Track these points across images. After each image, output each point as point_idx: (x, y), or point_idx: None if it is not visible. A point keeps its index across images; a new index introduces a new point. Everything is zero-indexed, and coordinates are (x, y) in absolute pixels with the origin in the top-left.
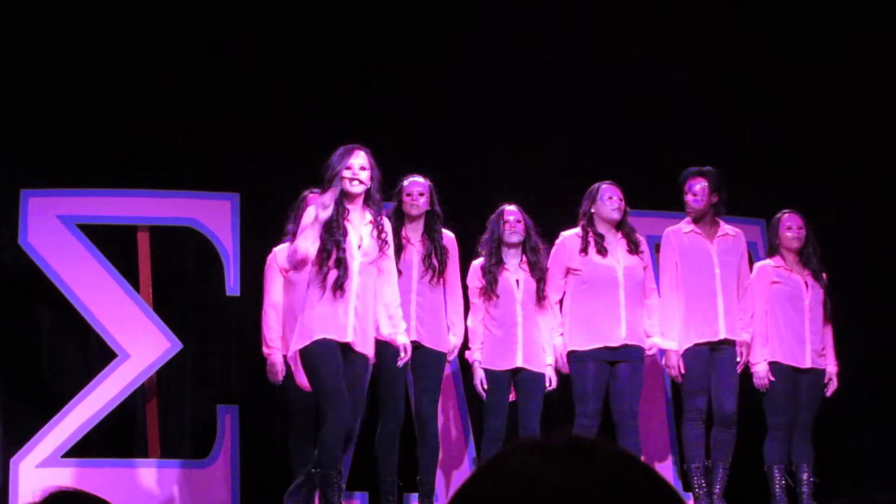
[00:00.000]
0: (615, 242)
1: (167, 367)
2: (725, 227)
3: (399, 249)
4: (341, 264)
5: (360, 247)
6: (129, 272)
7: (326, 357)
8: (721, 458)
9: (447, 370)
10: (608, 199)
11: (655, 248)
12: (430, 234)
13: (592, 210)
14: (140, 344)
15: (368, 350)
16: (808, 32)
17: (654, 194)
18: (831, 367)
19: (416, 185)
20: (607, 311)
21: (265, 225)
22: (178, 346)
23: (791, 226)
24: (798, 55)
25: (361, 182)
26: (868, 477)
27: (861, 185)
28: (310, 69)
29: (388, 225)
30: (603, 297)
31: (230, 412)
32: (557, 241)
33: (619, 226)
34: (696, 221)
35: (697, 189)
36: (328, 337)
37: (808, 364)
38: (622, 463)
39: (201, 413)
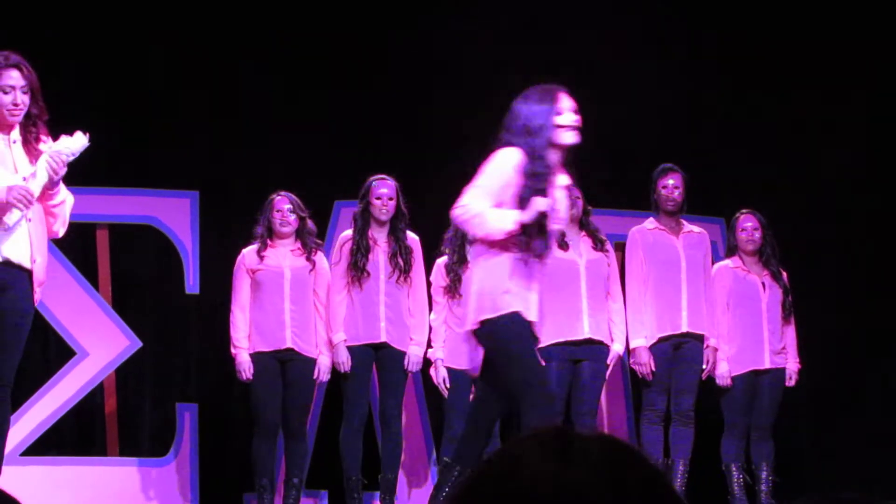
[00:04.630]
0: (578, 239)
1: (126, 365)
2: (689, 226)
3: (367, 251)
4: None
5: None
6: (88, 270)
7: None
8: (680, 454)
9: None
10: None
11: (616, 246)
12: (395, 234)
13: None
14: (99, 342)
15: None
16: (772, 26)
17: (612, 194)
18: (792, 365)
19: (385, 188)
20: (569, 304)
21: (225, 223)
22: (138, 344)
23: (746, 227)
24: (759, 52)
25: (576, 128)
26: (828, 476)
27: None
28: (274, 68)
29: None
30: (564, 291)
31: (189, 410)
32: None
33: (582, 224)
34: (672, 214)
35: (671, 184)
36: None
37: (766, 364)
38: (628, 459)
39: (160, 411)
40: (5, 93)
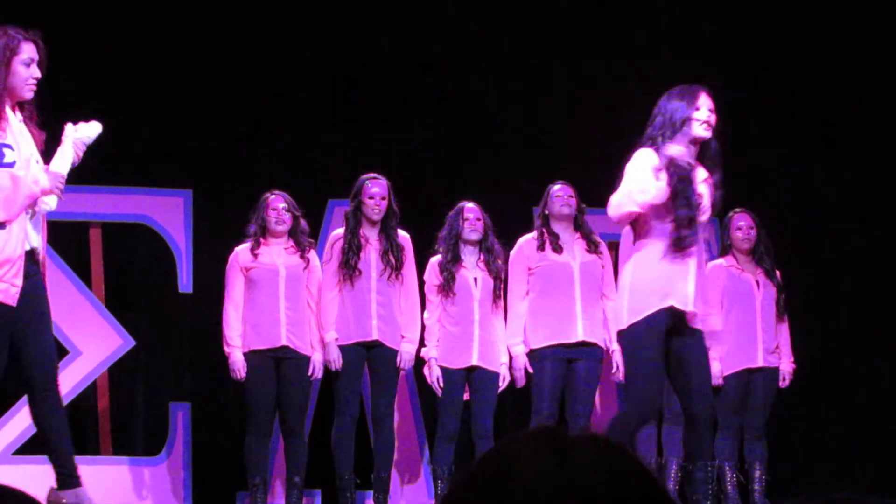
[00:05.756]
0: (572, 241)
1: (119, 364)
2: None
3: (358, 250)
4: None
5: None
6: (81, 269)
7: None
8: (673, 453)
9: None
10: (557, 198)
11: (610, 245)
12: (387, 233)
13: (546, 211)
14: (92, 341)
15: None
16: (761, 30)
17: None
18: (786, 366)
19: (378, 188)
20: (563, 307)
21: (218, 222)
22: (131, 343)
23: (741, 225)
24: (750, 55)
25: (710, 125)
26: (822, 475)
27: (816, 182)
28: (267, 67)
29: None
30: (559, 294)
31: (182, 409)
32: (515, 248)
33: (577, 226)
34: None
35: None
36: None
37: (759, 363)
38: (623, 460)
39: (153, 410)
40: (26, 66)
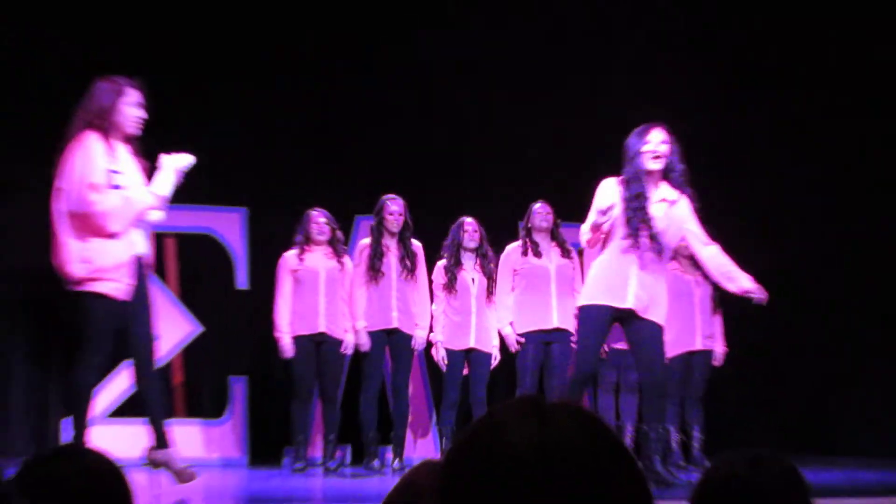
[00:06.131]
0: (549, 248)
1: (190, 345)
2: None
3: (381, 256)
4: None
5: None
6: (159, 270)
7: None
8: (628, 418)
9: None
10: (538, 214)
11: (580, 252)
12: (403, 242)
13: (529, 224)
14: (169, 327)
15: None
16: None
17: (579, 208)
18: (719, 349)
19: (396, 206)
20: (542, 301)
21: (269, 233)
22: (199, 328)
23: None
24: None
25: (661, 157)
26: (746, 435)
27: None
28: (308, 107)
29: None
30: (538, 290)
31: (240, 382)
32: (504, 253)
33: (553, 237)
34: None
35: None
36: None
37: (698, 346)
38: (592, 422)
39: (217, 382)
40: (131, 107)
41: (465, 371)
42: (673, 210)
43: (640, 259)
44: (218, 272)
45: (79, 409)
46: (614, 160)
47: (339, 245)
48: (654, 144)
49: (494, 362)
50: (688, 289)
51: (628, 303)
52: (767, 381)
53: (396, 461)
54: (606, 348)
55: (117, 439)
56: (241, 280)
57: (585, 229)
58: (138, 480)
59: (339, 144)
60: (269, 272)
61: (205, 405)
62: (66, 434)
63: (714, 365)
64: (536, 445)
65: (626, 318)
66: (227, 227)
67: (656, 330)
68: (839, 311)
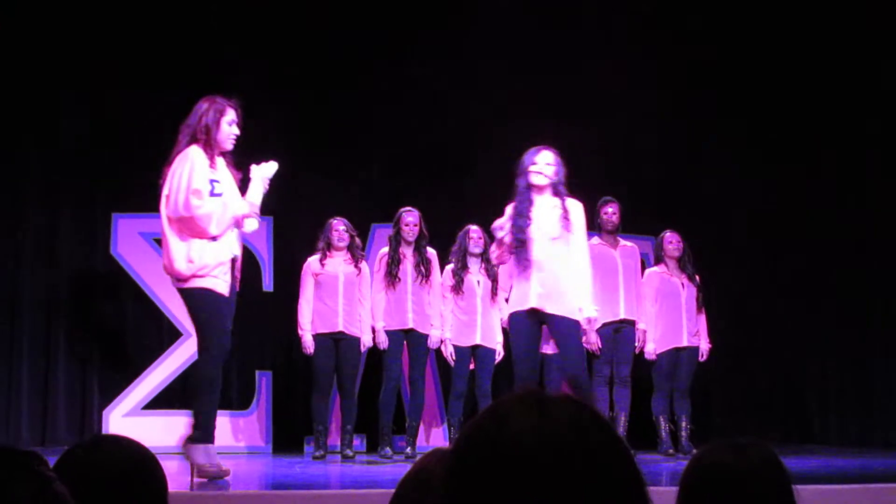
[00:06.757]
0: None
1: None
2: (624, 241)
3: (398, 262)
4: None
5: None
6: None
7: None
8: (622, 409)
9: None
10: None
11: None
12: (419, 250)
13: None
14: None
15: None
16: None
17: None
18: (704, 345)
19: (412, 217)
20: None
21: (291, 241)
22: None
23: (672, 240)
24: (683, 105)
25: (541, 174)
26: (730, 425)
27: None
28: (327, 129)
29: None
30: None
31: (265, 376)
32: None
33: None
34: (610, 233)
35: (610, 211)
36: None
37: (684, 343)
38: (589, 413)
39: (244, 376)
40: (229, 125)
41: (472, 366)
42: (561, 214)
43: (536, 261)
44: (245, 275)
45: (201, 401)
46: (616, 167)
47: (357, 251)
48: (539, 164)
49: (498, 357)
50: (675, 290)
51: (531, 302)
52: (748, 375)
53: (409, 448)
54: (600, 345)
55: (153, 430)
56: (267, 283)
57: (493, 248)
58: (170, 468)
59: (357, 159)
60: (292, 275)
61: (233, 397)
62: (105, 424)
63: (700, 360)
64: (536, 435)
65: (544, 319)
66: (255, 234)
67: (568, 324)
68: (818, 311)
